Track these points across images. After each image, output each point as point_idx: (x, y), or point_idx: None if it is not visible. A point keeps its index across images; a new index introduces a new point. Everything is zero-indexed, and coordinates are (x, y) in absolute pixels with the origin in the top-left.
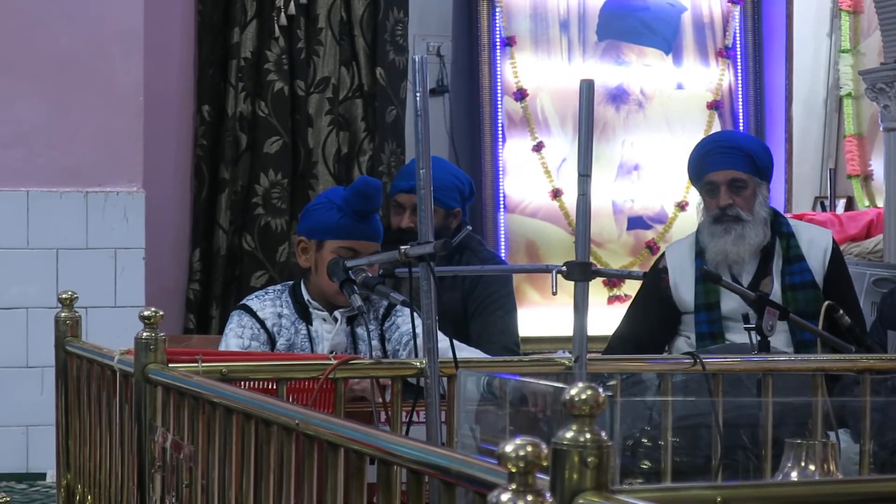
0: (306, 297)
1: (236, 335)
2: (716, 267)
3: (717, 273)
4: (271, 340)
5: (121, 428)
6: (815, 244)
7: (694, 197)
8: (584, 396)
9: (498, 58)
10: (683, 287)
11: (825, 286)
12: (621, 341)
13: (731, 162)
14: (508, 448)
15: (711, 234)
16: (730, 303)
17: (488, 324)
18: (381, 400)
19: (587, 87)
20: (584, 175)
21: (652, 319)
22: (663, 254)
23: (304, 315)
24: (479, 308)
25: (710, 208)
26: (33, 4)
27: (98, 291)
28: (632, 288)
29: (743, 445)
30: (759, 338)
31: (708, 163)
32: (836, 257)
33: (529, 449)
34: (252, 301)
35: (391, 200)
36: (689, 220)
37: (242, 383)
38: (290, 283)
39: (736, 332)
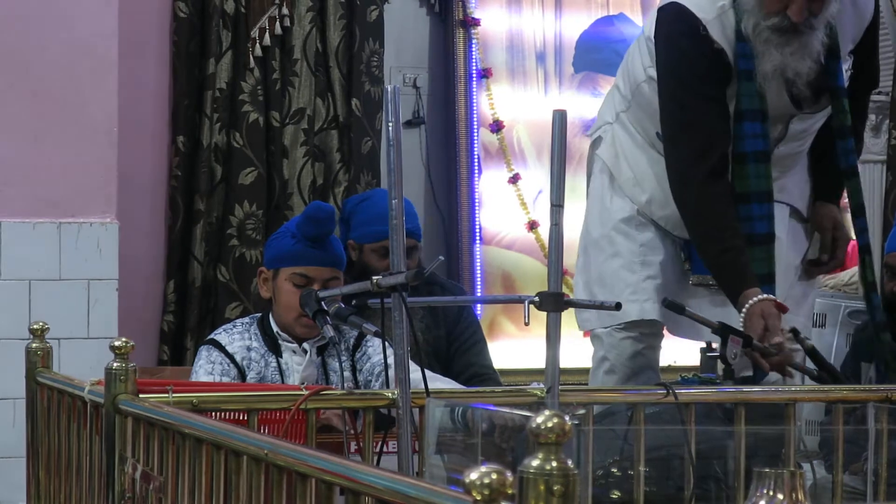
0: (275, 328)
1: (206, 371)
2: (767, 78)
3: (680, 304)
4: (241, 374)
5: (91, 459)
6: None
7: None
8: (550, 424)
9: (474, 89)
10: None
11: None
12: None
13: None
14: (474, 476)
15: (766, 40)
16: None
17: (475, 360)
18: (351, 430)
19: (560, 118)
20: (557, 205)
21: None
22: (698, 19)
23: (274, 347)
24: (465, 345)
25: (772, 9)
26: (5, 34)
27: (71, 322)
28: None
29: (715, 476)
30: (723, 366)
31: None
32: (874, 22)
33: (494, 477)
34: (220, 335)
35: (370, 249)
36: None
37: (213, 414)
38: (259, 315)
39: None
